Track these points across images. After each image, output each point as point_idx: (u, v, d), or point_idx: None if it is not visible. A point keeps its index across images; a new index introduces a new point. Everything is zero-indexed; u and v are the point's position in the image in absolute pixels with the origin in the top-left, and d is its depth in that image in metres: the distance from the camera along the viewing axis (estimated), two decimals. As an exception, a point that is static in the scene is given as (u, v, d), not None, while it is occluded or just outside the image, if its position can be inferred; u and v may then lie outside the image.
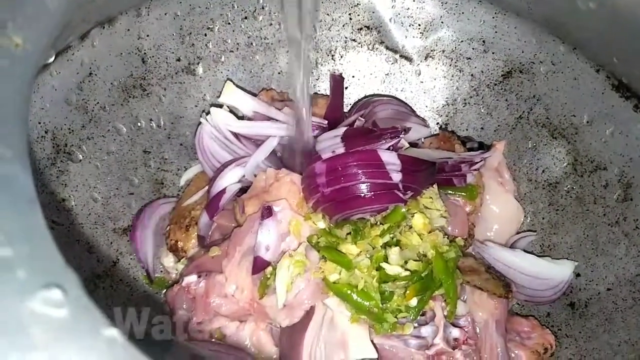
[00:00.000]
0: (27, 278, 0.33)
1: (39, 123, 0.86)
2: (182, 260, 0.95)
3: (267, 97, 1.07)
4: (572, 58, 0.97)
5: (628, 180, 0.94)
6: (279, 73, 1.12)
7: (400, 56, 1.14)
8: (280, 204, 0.82)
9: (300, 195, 0.85)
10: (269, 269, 0.80)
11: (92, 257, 0.94)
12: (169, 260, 0.97)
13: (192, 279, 0.83)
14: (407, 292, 0.76)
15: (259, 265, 0.80)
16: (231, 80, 1.04)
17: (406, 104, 1.14)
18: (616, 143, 0.95)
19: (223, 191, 0.92)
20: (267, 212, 0.81)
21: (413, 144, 1.08)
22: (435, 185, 0.91)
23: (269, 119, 0.99)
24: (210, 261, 0.84)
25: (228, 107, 1.02)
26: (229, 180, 0.94)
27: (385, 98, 1.14)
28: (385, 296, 0.77)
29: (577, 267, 0.98)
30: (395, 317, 0.77)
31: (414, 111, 1.13)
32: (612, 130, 0.95)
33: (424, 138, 1.08)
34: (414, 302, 0.77)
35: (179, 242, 0.94)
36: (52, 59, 0.76)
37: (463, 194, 0.95)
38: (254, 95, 1.05)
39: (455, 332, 0.83)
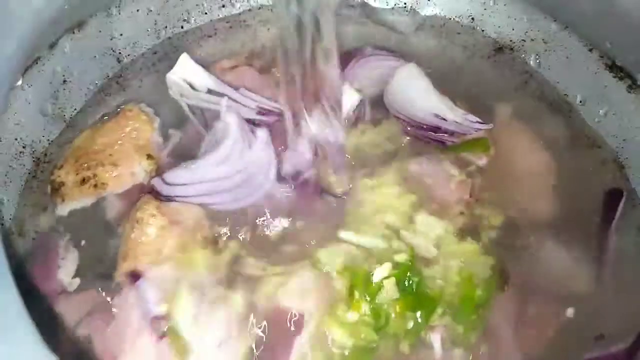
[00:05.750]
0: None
1: (16, 139, 0.84)
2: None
3: (217, 69, 0.97)
4: (564, 36, 0.93)
5: (622, 161, 0.92)
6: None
7: (389, 29, 1.08)
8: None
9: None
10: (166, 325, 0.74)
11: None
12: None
13: None
14: (398, 309, 0.74)
15: (157, 325, 0.74)
16: (187, 54, 0.94)
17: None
18: (610, 123, 0.92)
19: None
20: (135, 276, 0.78)
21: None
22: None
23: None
24: None
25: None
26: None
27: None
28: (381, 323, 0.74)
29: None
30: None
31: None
32: (606, 111, 0.92)
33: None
34: (410, 324, 0.75)
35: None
36: (19, 82, 0.72)
37: (474, 148, 0.89)
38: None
39: None
